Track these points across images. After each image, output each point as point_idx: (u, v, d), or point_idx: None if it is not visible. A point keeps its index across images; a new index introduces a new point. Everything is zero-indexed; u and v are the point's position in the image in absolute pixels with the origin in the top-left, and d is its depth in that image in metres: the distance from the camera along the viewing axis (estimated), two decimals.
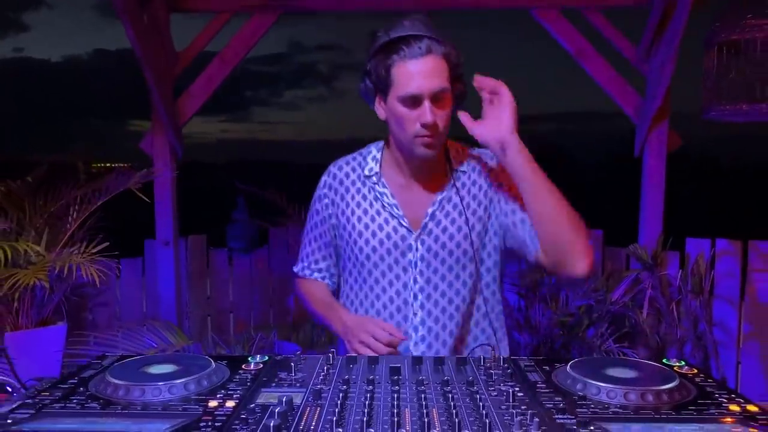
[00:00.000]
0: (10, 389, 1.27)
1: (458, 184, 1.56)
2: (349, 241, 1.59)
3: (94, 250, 2.56)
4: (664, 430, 0.92)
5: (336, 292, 1.74)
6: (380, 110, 1.52)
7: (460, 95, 1.51)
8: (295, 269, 1.75)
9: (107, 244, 2.61)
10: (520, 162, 1.42)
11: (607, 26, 3.01)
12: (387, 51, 1.42)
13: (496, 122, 1.43)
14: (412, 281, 1.54)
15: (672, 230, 3.12)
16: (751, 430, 0.89)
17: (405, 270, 1.54)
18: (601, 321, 2.81)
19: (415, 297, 1.54)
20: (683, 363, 1.24)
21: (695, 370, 1.20)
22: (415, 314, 1.54)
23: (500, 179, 1.57)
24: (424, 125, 1.41)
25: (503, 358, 1.24)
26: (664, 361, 1.25)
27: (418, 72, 1.40)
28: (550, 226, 1.44)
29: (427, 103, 1.41)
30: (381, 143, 1.64)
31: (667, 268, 2.97)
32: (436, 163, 1.55)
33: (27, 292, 2.36)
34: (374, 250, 1.55)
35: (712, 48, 2.38)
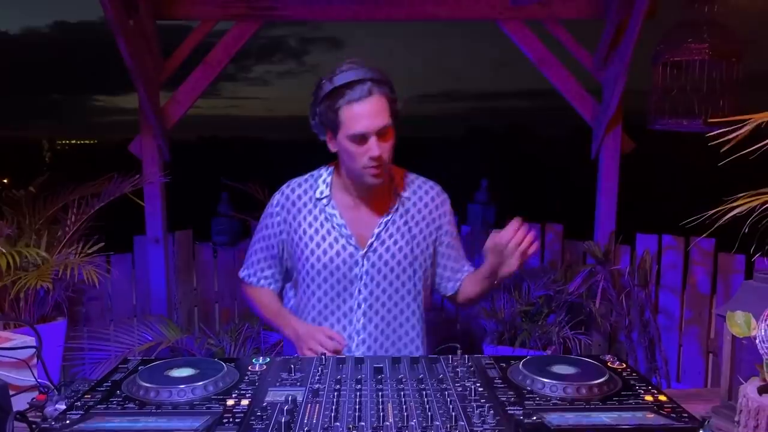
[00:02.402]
0: (45, 390, 1.48)
1: (402, 210, 1.79)
2: (301, 257, 1.79)
3: (90, 251, 2.74)
4: (591, 417, 1.17)
5: (280, 295, 1.96)
6: (331, 144, 1.74)
7: (396, 115, 1.70)
8: (242, 275, 1.95)
9: (102, 244, 2.79)
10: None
11: (566, 36, 3.24)
12: (334, 97, 1.62)
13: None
14: (357, 292, 1.77)
15: (631, 222, 3.42)
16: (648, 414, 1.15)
17: (351, 282, 1.77)
18: (559, 310, 3.10)
19: (359, 306, 1.78)
20: (615, 358, 1.51)
21: (624, 365, 1.47)
22: (358, 320, 1.78)
23: (444, 223, 1.85)
24: (372, 158, 1.63)
25: (468, 357, 1.49)
26: (599, 357, 1.52)
27: (364, 113, 1.61)
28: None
29: (373, 139, 1.62)
30: (331, 168, 1.84)
31: (620, 260, 3.27)
32: (381, 188, 1.77)
33: (30, 291, 2.53)
34: (325, 266, 1.76)
35: (658, 65, 2.63)
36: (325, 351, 1.68)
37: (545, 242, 3.56)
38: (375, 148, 1.62)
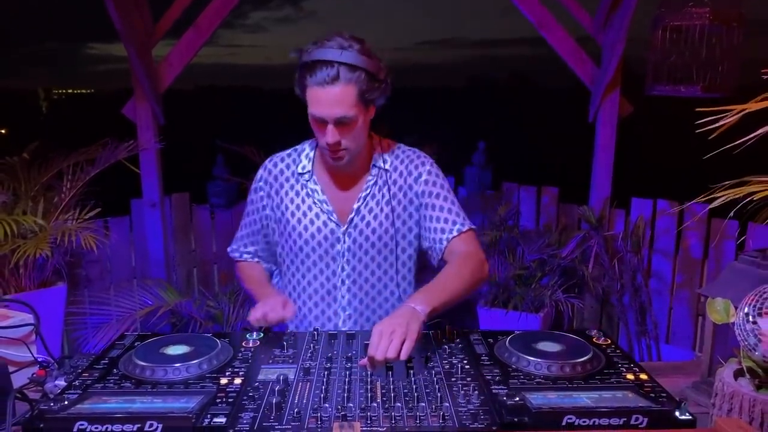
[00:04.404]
0: (46, 365, 1.52)
1: (380, 182, 1.76)
2: (284, 233, 1.80)
3: (87, 216, 2.75)
4: (572, 397, 1.21)
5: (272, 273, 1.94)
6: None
7: (381, 92, 1.63)
8: (229, 250, 1.96)
9: (99, 209, 2.81)
10: (435, 309, 1.49)
11: None
12: (304, 71, 1.58)
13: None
14: (339, 269, 1.76)
15: (628, 185, 3.43)
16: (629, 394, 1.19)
17: (334, 259, 1.76)
18: (553, 273, 3.14)
19: (343, 282, 1.77)
20: (601, 334, 1.55)
21: (608, 341, 1.50)
22: (342, 297, 1.77)
23: (428, 189, 1.76)
24: (327, 143, 1.61)
25: (455, 333, 1.53)
26: (585, 332, 1.55)
27: (323, 99, 1.56)
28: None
29: (330, 127, 1.59)
30: (315, 142, 1.80)
31: (615, 224, 3.29)
32: (360, 161, 1.74)
33: (29, 258, 2.55)
34: (306, 242, 1.76)
35: (658, 30, 2.58)
36: (265, 322, 1.56)
37: (541, 205, 3.57)
38: (330, 134, 1.59)
